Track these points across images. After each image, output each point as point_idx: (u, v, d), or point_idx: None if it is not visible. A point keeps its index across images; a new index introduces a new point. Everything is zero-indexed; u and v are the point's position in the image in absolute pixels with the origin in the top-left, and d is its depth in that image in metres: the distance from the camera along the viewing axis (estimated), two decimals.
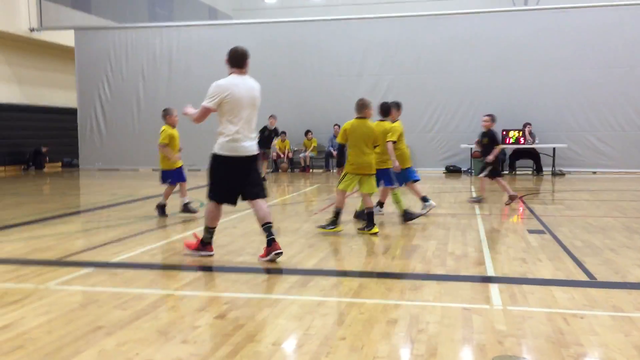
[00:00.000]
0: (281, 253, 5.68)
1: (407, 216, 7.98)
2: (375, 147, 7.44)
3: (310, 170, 18.13)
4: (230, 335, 3.69)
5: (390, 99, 17.62)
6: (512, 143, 16.29)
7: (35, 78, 21.15)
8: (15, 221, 8.41)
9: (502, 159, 15.53)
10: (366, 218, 7.23)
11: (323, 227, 7.29)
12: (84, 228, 8.10)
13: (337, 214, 7.23)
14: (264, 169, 15.40)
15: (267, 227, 5.71)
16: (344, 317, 4.01)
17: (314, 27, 18.63)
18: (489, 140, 9.92)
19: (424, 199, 8.63)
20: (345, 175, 7.32)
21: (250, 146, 5.70)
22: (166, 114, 8.75)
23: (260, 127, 15.13)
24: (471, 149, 16.03)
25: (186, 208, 8.75)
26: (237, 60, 5.98)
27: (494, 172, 9.84)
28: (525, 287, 4.74)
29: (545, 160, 16.51)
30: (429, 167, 17.36)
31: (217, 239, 6.94)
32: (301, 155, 18.15)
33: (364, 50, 18.01)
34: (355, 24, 18.43)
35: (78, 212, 9.64)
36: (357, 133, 7.29)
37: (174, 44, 19.17)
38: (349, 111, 19.05)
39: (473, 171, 15.87)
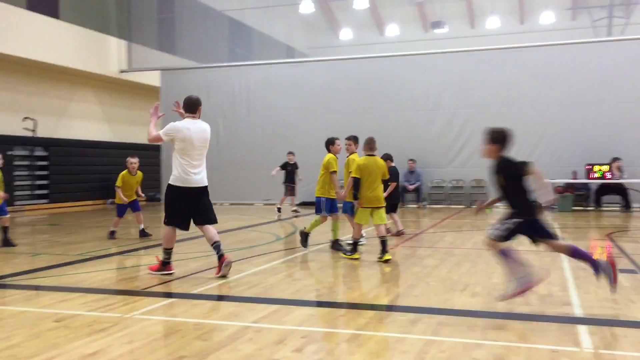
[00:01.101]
0: (230, 263, 6.48)
1: (336, 245, 8.54)
2: (384, 181, 8.05)
3: None
4: None
5: (466, 133, 17.55)
6: (598, 178, 15.60)
7: (123, 116, 22.40)
8: (102, 253, 8.81)
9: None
10: (380, 245, 7.70)
11: (344, 252, 7.99)
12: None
13: (354, 244, 7.91)
14: (292, 202, 15.54)
15: (216, 246, 6.50)
16: (424, 356, 3.90)
17: (389, 62, 18.76)
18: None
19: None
20: (358, 209, 7.88)
21: (199, 179, 6.60)
22: (126, 161, 10.53)
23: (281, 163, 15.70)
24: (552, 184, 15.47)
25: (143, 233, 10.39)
26: (190, 107, 6.84)
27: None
28: (617, 329, 4.47)
29: (634, 196, 15.68)
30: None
31: (292, 273, 6.99)
32: None
33: (439, 84, 17.93)
34: (431, 58, 18.42)
35: (159, 245, 9.97)
36: (370, 169, 7.84)
37: (252, 82, 19.80)
38: (425, 146, 19.08)
39: (556, 207, 15.27)
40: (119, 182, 10.49)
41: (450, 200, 17.88)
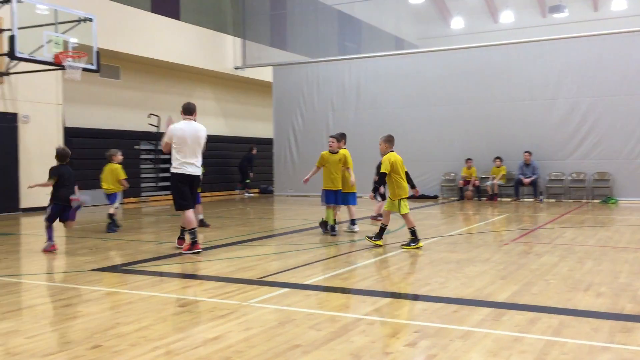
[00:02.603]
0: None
1: (324, 226, 9.80)
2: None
3: (498, 198, 17.42)
4: None
5: (588, 123, 16.53)
6: None
7: (238, 111, 23.32)
8: (221, 242, 9.23)
9: None
10: (411, 235, 8.29)
11: (407, 245, 8.26)
12: (279, 250, 8.61)
13: (413, 232, 8.28)
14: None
15: (192, 231, 7.92)
16: (545, 357, 3.74)
17: (504, 51, 18.04)
18: None
19: (352, 222, 10.10)
20: (400, 201, 8.32)
21: (192, 170, 7.95)
22: (111, 154, 10.95)
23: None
24: None
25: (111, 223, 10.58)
26: (186, 111, 8.15)
27: None
28: None
29: None
30: (632, 197, 15.76)
31: (403, 266, 6.95)
32: (488, 183, 17.53)
33: (558, 72, 17.00)
34: (549, 45, 17.48)
35: (273, 236, 10.29)
36: (398, 163, 8.41)
37: (362, 75, 19.83)
38: (542, 137, 18.25)
39: None
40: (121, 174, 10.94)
41: (570, 194, 16.93)
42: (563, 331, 4.30)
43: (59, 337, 4.34)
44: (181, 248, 8.10)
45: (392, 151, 8.46)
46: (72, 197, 8.37)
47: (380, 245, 8.35)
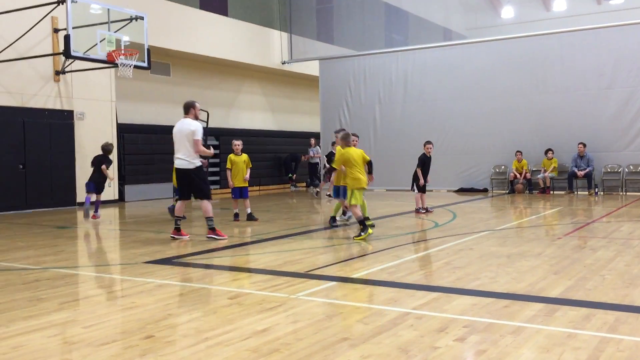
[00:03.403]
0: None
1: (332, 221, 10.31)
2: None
3: (551, 191, 16.97)
4: None
5: None
6: None
7: (285, 106, 23.47)
8: (269, 236, 9.32)
9: None
10: (360, 225, 8.65)
11: (358, 236, 8.60)
12: (326, 244, 8.63)
13: (361, 222, 8.67)
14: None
15: (209, 218, 8.79)
16: (599, 354, 3.63)
17: (556, 39, 17.52)
18: None
19: (344, 213, 10.65)
20: (353, 191, 8.82)
21: (178, 163, 8.67)
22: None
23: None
24: None
25: None
26: (184, 109, 8.86)
27: None
28: None
29: None
30: None
31: (452, 260, 6.86)
32: (539, 176, 17.10)
33: (614, 60, 16.42)
34: (604, 32, 16.89)
35: (320, 229, 10.32)
36: (353, 157, 8.95)
37: (409, 68, 19.62)
38: (597, 128, 17.71)
39: None
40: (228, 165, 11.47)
41: (627, 187, 16.35)
42: (619, 328, 4.17)
43: (113, 327, 4.48)
44: (177, 238, 8.82)
45: (350, 146, 9.06)
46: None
47: (370, 233, 8.67)
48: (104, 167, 12.06)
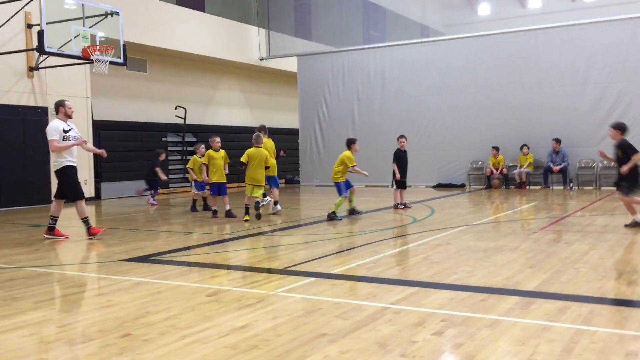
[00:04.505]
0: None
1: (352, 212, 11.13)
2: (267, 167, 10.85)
3: (527, 186, 17.19)
4: (450, 354, 3.63)
5: (620, 108, 16.20)
6: None
7: (264, 102, 23.39)
8: (247, 232, 9.29)
9: None
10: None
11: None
12: (305, 240, 8.63)
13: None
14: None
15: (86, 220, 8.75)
16: (574, 345, 3.69)
17: (532, 36, 17.72)
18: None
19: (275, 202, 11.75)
20: (249, 186, 10.71)
21: (52, 164, 9.06)
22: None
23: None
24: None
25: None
26: (54, 108, 8.87)
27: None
28: None
29: None
30: None
31: (430, 255, 6.91)
32: (515, 171, 17.31)
33: (588, 57, 16.67)
34: (579, 29, 17.13)
35: (299, 225, 10.33)
36: (254, 157, 10.72)
37: (387, 64, 19.69)
38: (572, 124, 17.95)
39: None
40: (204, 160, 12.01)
41: (601, 182, 16.63)
42: (593, 320, 4.24)
43: (90, 325, 4.43)
44: (50, 238, 8.79)
45: (257, 146, 10.78)
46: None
47: (247, 220, 10.43)
48: (157, 169, 14.20)
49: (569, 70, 16.91)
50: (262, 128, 12.09)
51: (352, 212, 11.15)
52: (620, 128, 8.88)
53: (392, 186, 12.41)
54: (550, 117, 17.07)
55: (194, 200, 12.81)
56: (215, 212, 11.34)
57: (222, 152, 11.44)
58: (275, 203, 11.71)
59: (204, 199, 12.70)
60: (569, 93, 16.92)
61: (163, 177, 14.37)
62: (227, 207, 11.26)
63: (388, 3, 26.60)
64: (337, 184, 10.92)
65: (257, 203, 10.61)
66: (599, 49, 16.56)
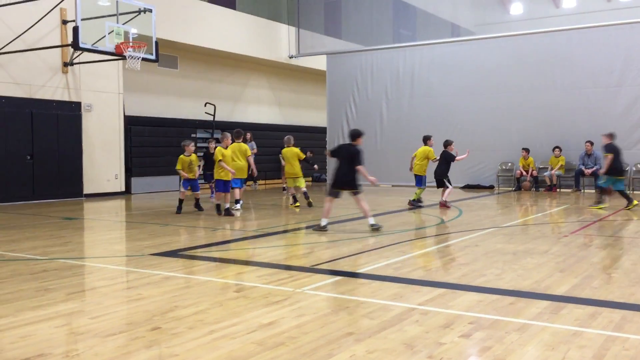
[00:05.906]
0: None
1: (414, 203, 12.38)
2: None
3: (557, 189, 16.92)
4: (478, 357, 3.60)
5: None
6: None
7: (292, 100, 23.45)
8: (275, 230, 9.34)
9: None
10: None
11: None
12: (332, 239, 8.63)
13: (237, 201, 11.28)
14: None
15: None
16: (605, 352, 3.63)
17: (565, 36, 17.42)
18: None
19: (237, 201, 11.79)
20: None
21: None
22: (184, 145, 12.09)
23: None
24: None
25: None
26: None
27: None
28: None
29: None
30: None
31: (458, 257, 6.84)
32: (546, 173, 17.04)
33: (624, 58, 16.32)
34: (614, 30, 16.77)
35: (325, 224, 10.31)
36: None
37: (416, 64, 19.55)
38: (605, 126, 17.62)
39: None
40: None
41: (634, 186, 16.27)
42: (625, 326, 4.16)
43: (120, 318, 4.50)
44: None
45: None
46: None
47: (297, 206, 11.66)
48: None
49: (604, 72, 16.58)
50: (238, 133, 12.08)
51: (417, 201, 12.53)
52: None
53: (449, 185, 12.48)
54: (583, 119, 16.77)
55: (181, 201, 11.98)
56: (218, 207, 11.25)
57: (229, 151, 11.31)
58: (237, 202, 11.77)
59: (197, 199, 12.29)
60: (603, 95, 16.60)
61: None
62: (227, 205, 11.16)
63: (419, 1, 26.44)
64: (421, 177, 12.41)
65: (305, 193, 12.37)
66: (635, 50, 16.19)
